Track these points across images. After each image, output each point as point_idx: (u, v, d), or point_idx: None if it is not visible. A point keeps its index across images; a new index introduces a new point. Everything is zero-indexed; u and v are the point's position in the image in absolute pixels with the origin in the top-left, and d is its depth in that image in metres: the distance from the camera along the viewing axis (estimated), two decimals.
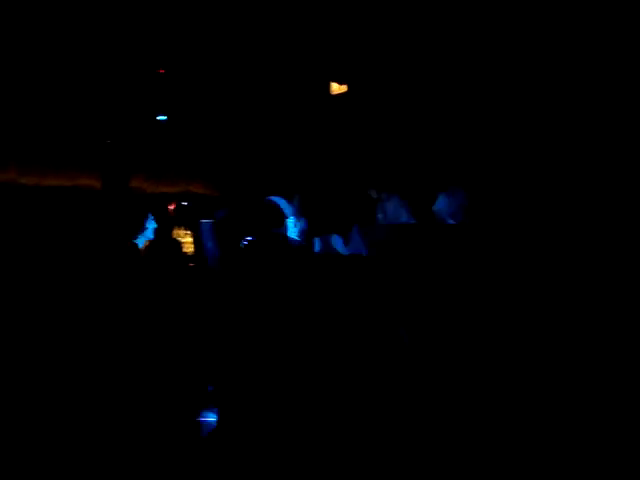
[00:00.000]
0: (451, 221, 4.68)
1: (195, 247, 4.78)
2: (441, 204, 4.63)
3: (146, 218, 4.79)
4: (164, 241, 4.70)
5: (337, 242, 4.60)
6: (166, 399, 4.33)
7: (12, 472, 3.82)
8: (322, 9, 4.74)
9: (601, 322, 4.37)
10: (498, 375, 4.34)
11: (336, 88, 4.86)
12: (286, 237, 4.24)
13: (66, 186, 4.79)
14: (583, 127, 4.68)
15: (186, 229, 4.75)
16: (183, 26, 4.79)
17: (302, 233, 4.51)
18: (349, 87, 4.85)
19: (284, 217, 4.11)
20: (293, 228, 4.43)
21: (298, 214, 4.43)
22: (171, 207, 4.82)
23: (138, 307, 4.49)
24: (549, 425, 4.15)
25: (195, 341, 4.42)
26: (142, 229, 4.74)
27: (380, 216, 4.79)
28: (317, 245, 4.55)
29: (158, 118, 4.58)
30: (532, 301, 4.54)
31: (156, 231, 4.75)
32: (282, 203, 4.13)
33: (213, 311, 4.41)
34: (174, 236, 4.75)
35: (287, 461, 4.05)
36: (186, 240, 4.75)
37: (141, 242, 4.74)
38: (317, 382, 4.30)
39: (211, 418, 4.11)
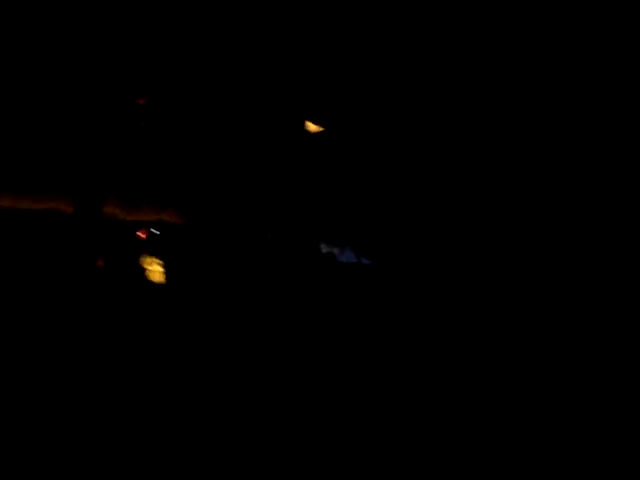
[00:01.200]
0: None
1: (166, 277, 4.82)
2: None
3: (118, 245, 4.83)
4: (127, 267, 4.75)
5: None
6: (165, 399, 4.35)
7: (12, 472, 3.82)
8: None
9: (601, 322, 4.41)
10: (498, 375, 4.37)
11: (313, 127, 4.93)
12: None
13: (38, 210, 4.81)
14: (577, 129, 4.74)
15: (156, 257, 4.79)
16: (157, 58, 4.86)
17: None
18: (325, 128, 4.92)
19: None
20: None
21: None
22: (142, 234, 4.86)
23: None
24: (549, 425, 4.18)
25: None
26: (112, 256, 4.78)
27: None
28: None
29: (135, 143, 4.62)
30: (531, 301, 4.58)
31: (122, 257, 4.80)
32: None
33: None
34: (141, 263, 4.79)
35: (287, 461, 4.06)
36: (154, 269, 4.79)
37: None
38: (317, 381, 4.33)
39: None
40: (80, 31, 4.76)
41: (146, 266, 4.81)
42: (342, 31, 4.80)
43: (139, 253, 4.84)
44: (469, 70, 4.79)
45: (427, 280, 4.75)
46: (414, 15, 4.76)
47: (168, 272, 4.83)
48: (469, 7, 4.73)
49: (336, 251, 4.70)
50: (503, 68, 4.77)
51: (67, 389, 4.39)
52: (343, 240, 4.77)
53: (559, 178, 4.75)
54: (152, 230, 4.83)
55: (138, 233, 4.83)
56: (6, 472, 4.02)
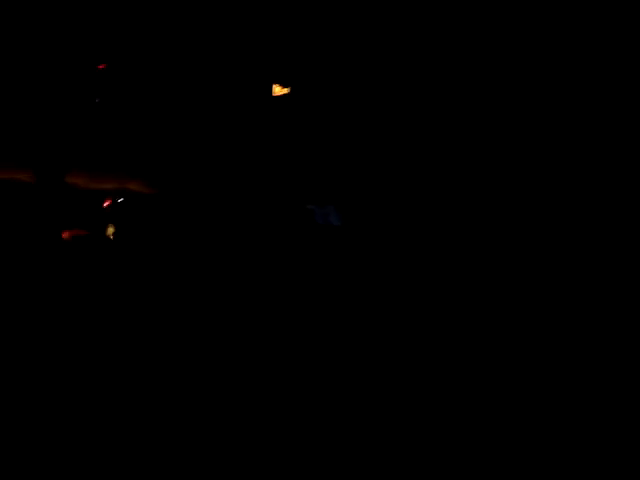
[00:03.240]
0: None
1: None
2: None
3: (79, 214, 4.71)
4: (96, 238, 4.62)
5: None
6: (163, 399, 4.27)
7: (12, 472, 3.76)
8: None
9: (601, 322, 4.37)
10: (497, 375, 4.32)
11: (278, 90, 4.81)
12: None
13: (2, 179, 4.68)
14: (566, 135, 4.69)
15: (121, 227, 4.66)
16: (119, 24, 4.73)
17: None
18: (291, 89, 4.80)
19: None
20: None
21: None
22: (106, 204, 4.73)
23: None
24: (549, 425, 4.14)
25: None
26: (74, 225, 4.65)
27: (319, 220, 4.77)
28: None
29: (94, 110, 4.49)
30: (530, 302, 4.53)
31: (89, 228, 4.67)
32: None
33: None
34: (108, 234, 4.67)
35: (287, 460, 4.00)
36: (118, 239, 4.67)
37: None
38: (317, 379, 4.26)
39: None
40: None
41: (111, 237, 4.69)
42: (344, 32, 4.70)
43: (104, 224, 4.72)
44: (470, 69, 4.72)
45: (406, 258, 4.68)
46: (415, 15, 4.67)
47: (135, 243, 4.72)
48: (469, 7, 4.66)
49: (315, 207, 4.62)
50: (504, 68, 4.70)
51: (46, 378, 4.30)
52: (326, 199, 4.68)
53: (560, 178, 4.70)
54: (117, 199, 4.70)
55: (103, 203, 4.70)
56: (6, 472, 3.97)
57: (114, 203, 4.66)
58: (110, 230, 4.64)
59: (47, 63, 4.71)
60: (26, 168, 4.65)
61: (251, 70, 4.76)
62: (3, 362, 4.26)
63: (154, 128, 4.74)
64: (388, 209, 4.66)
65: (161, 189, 4.71)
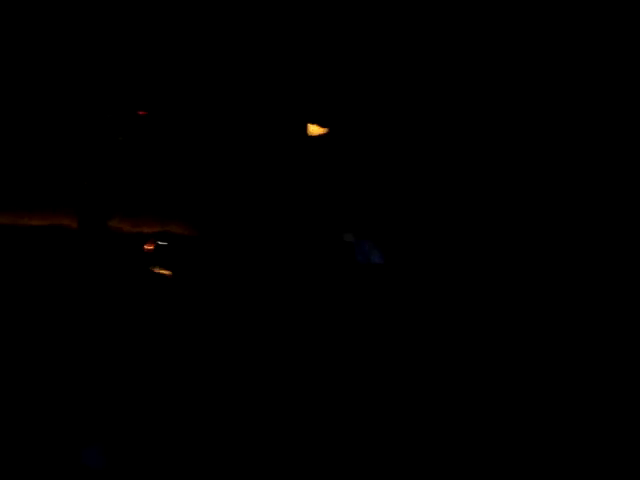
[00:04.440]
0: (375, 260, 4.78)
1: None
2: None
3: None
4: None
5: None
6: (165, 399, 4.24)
7: (12, 472, 3.72)
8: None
9: (601, 322, 4.39)
10: (497, 375, 4.31)
11: (314, 130, 4.91)
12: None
13: (42, 225, 4.71)
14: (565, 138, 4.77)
15: (163, 268, 4.69)
16: (161, 72, 4.84)
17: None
18: (329, 129, 4.90)
19: None
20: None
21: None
22: (149, 247, 4.77)
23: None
24: (549, 424, 4.12)
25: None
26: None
27: (359, 257, 4.83)
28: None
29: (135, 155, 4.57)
30: (529, 302, 4.55)
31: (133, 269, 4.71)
32: None
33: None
34: (150, 275, 4.68)
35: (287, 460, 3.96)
36: (163, 280, 4.69)
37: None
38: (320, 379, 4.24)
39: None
40: (84, 46, 4.73)
41: (155, 277, 4.71)
42: (348, 33, 4.82)
43: (147, 265, 4.74)
44: (478, 73, 4.84)
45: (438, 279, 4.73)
46: (419, 16, 4.80)
47: (177, 282, 4.75)
48: (471, 8, 4.80)
49: (354, 242, 4.68)
50: (507, 70, 4.82)
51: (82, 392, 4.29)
52: (361, 233, 4.75)
53: (560, 177, 4.78)
54: (159, 242, 4.74)
55: (145, 246, 4.74)
56: (6, 472, 3.93)
57: (156, 245, 4.70)
58: (155, 270, 4.67)
59: (88, 111, 4.79)
60: (69, 214, 4.68)
61: (287, 111, 4.87)
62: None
63: (195, 172, 4.81)
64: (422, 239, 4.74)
65: (202, 231, 4.77)
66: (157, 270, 4.70)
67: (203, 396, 4.36)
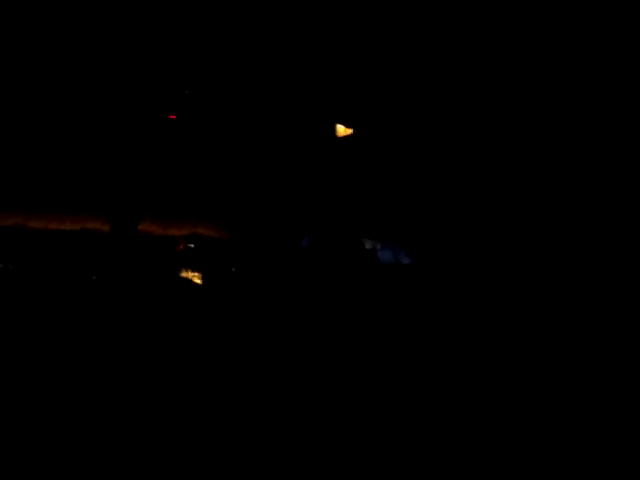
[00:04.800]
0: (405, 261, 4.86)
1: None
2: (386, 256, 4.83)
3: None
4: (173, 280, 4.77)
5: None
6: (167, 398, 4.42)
7: (12, 472, 3.88)
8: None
9: (601, 322, 4.51)
10: (497, 375, 4.47)
11: (342, 131, 4.89)
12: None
13: (74, 230, 4.79)
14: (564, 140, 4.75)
15: (194, 270, 4.79)
16: (188, 71, 4.77)
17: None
18: (355, 130, 4.88)
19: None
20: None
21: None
22: (179, 249, 4.86)
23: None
24: (549, 424, 4.29)
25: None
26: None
27: (385, 258, 4.90)
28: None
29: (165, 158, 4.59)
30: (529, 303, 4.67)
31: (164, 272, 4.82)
32: None
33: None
34: (183, 277, 4.80)
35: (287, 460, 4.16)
36: (194, 282, 4.80)
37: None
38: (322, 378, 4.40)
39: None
40: (111, 57, 4.66)
41: (186, 280, 4.83)
42: (364, 39, 4.72)
43: (178, 267, 4.85)
44: (487, 76, 4.75)
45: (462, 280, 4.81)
46: (428, 20, 4.69)
47: (208, 284, 4.86)
48: (473, 9, 4.67)
49: (378, 247, 4.75)
50: (517, 73, 4.73)
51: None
52: (384, 237, 4.82)
53: (560, 178, 4.77)
54: (189, 245, 4.83)
55: (178, 247, 4.83)
56: (6, 472, 4.08)
57: (186, 247, 4.79)
58: (185, 273, 4.78)
59: (118, 117, 4.78)
60: (100, 218, 4.76)
61: (315, 115, 4.83)
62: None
63: (224, 175, 4.84)
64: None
65: (232, 233, 4.84)
66: (187, 272, 4.81)
67: (228, 393, 4.52)
